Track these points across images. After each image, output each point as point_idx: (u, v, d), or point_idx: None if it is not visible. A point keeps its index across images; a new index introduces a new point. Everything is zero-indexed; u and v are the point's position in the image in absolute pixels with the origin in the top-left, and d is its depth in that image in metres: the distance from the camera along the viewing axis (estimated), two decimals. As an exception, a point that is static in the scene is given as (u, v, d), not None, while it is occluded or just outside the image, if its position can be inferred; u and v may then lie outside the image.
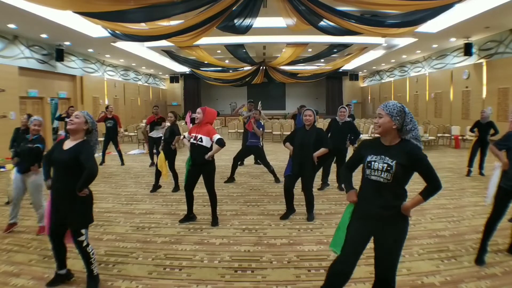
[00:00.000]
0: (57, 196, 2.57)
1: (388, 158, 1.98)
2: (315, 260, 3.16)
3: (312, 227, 4.02)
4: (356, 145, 5.62)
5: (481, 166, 6.75)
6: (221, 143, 3.89)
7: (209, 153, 3.96)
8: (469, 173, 6.73)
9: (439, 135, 11.26)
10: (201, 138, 3.93)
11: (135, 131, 13.34)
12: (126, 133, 14.17)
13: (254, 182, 6.38)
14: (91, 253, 2.64)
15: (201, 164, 4.02)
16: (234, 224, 4.17)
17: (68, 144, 2.59)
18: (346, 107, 5.72)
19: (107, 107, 8.72)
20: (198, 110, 4.08)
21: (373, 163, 2.02)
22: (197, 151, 3.97)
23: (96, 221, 4.19)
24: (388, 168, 1.96)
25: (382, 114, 2.03)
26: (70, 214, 2.55)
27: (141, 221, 4.29)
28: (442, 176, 6.61)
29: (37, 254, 3.30)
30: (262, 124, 6.56)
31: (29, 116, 5.26)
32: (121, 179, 6.83)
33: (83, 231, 2.59)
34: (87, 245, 2.62)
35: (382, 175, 1.98)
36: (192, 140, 4.01)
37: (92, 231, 3.92)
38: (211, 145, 4.02)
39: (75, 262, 3.06)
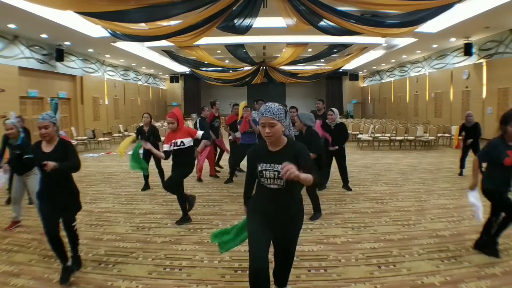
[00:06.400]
0: (50, 192, 2.71)
1: (277, 165, 1.96)
2: (315, 260, 3.16)
3: (312, 227, 4.01)
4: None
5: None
6: (207, 137, 3.94)
7: (200, 146, 4.11)
8: (461, 173, 6.77)
9: (439, 135, 11.25)
10: (182, 142, 3.92)
11: (135, 131, 13.32)
12: (126, 133, 14.18)
13: (254, 182, 6.36)
14: (78, 234, 2.97)
15: (183, 165, 4.02)
16: (234, 224, 4.15)
17: (48, 148, 2.73)
18: (334, 110, 5.57)
19: (214, 103, 6.89)
20: (170, 119, 3.93)
21: (264, 172, 2.02)
22: (181, 154, 3.98)
23: (96, 221, 4.25)
24: (279, 175, 1.94)
25: (274, 122, 1.94)
26: (64, 206, 2.77)
27: (141, 221, 4.29)
28: (442, 176, 6.69)
29: (37, 254, 3.29)
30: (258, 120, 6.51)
31: (19, 117, 5.28)
32: (121, 179, 6.83)
33: (75, 217, 2.92)
34: (76, 228, 2.94)
35: (276, 182, 2.01)
36: (171, 148, 3.94)
37: (92, 231, 3.94)
38: (193, 143, 4.05)
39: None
